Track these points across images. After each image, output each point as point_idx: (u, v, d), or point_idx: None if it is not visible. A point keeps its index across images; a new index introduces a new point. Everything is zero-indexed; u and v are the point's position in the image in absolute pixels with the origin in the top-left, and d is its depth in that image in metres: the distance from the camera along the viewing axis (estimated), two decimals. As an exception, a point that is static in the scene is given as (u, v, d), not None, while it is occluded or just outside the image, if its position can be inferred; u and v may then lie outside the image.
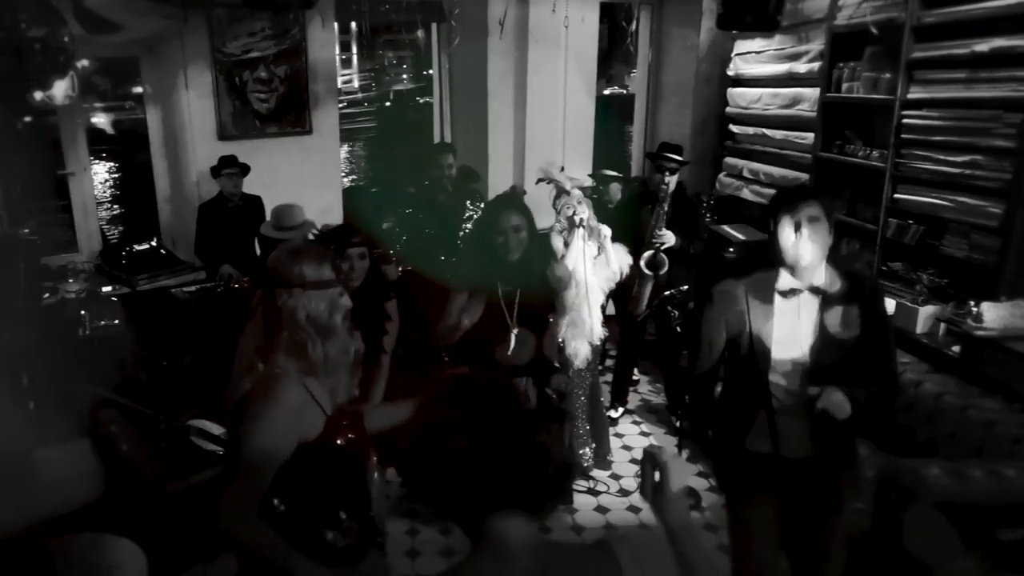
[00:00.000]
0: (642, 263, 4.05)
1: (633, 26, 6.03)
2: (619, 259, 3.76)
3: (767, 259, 2.37)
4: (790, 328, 2.32)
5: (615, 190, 4.89)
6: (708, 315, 2.42)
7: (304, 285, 1.80)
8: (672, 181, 4.22)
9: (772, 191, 5.45)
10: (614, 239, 3.75)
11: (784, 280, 2.32)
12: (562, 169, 3.81)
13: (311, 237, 3.72)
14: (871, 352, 2.30)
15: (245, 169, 4.69)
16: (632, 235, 4.11)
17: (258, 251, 4.42)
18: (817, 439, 2.32)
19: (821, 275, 2.31)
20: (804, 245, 2.23)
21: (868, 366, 2.29)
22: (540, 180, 3.90)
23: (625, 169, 5.02)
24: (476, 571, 1.21)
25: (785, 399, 2.34)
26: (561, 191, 3.75)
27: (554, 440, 1.26)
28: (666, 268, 4.08)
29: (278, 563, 1.77)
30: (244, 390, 1.89)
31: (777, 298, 2.33)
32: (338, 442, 1.88)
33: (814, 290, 2.30)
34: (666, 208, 4.12)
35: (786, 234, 2.25)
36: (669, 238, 4.07)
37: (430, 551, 3.48)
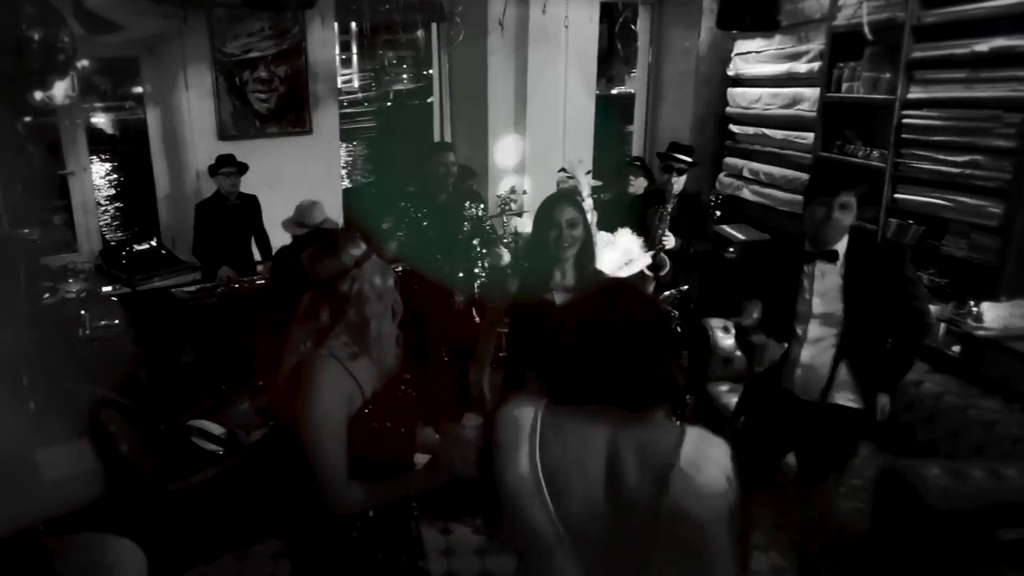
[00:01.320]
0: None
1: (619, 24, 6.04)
2: (635, 255, 3.73)
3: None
4: (812, 287, 2.70)
5: (640, 183, 4.88)
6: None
7: (359, 263, 1.88)
8: (680, 182, 4.21)
9: (772, 191, 5.47)
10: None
11: (805, 246, 2.72)
12: (588, 173, 3.78)
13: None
14: (896, 303, 2.66)
15: (243, 168, 4.69)
16: (637, 234, 4.09)
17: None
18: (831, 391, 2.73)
19: (843, 244, 2.67)
20: (829, 228, 2.60)
21: (894, 315, 2.67)
22: (562, 170, 3.87)
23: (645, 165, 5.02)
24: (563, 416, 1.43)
25: (807, 347, 2.72)
26: (577, 193, 3.72)
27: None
28: (668, 269, 4.08)
29: (403, 496, 1.95)
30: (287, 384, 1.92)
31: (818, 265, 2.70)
32: (386, 424, 1.94)
33: (831, 255, 2.66)
34: (670, 209, 4.11)
35: (818, 212, 2.61)
36: (670, 239, 4.07)
37: (430, 551, 3.47)
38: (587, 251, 2.71)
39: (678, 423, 1.47)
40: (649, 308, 1.43)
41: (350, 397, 1.86)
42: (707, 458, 1.32)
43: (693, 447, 1.33)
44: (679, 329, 4.33)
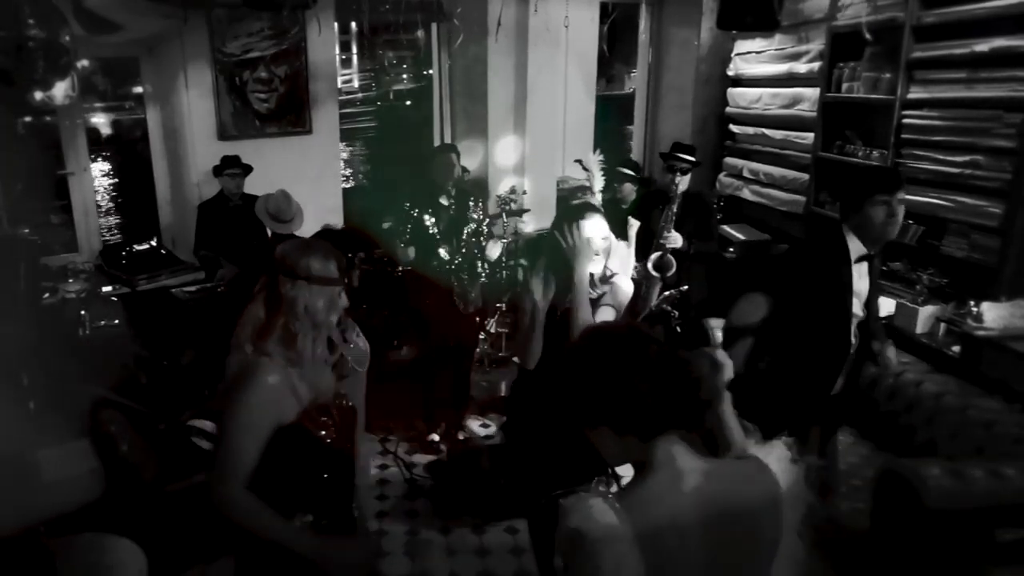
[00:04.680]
0: (649, 264, 4.03)
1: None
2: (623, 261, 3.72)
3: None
4: (860, 288, 2.77)
5: (628, 190, 4.88)
6: None
7: (309, 279, 1.86)
8: (683, 182, 4.20)
9: (772, 191, 5.47)
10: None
11: (856, 249, 2.73)
12: (603, 170, 3.76)
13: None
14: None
15: (247, 169, 4.70)
16: (641, 235, 4.08)
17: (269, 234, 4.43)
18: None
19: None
20: (894, 225, 2.66)
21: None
22: (578, 160, 3.86)
23: (639, 169, 5.00)
24: (649, 491, 1.29)
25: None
26: (587, 189, 3.70)
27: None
28: (674, 269, 4.07)
29: (278, 539, 1.84)
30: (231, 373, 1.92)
31: (854, 265, 2.74)
32: (319, 436, 1.91)
33: (869, 256, 2.74)
34: (675, 209, 4.11)
35: (879, 213, 2.65)
36: (676, 239, 4.06)
37: (430, 551, 3.47)
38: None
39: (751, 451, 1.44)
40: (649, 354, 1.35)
41: (282, 405, 1.84)
42: (790, 474, 1.36)
43: (780, 470, 1.35)
44: (679, 329, 4.32)
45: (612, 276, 2.79)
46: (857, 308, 2.76)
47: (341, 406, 2.04)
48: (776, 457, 1.37)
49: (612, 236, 2.67)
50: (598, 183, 3.54)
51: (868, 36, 4.31)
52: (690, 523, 1.26)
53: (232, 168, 4.64)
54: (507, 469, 3.81)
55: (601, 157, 3.71)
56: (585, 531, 1.20)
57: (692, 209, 4.23)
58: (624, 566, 1.19)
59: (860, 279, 2.75)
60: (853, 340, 2.83)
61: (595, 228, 2.56)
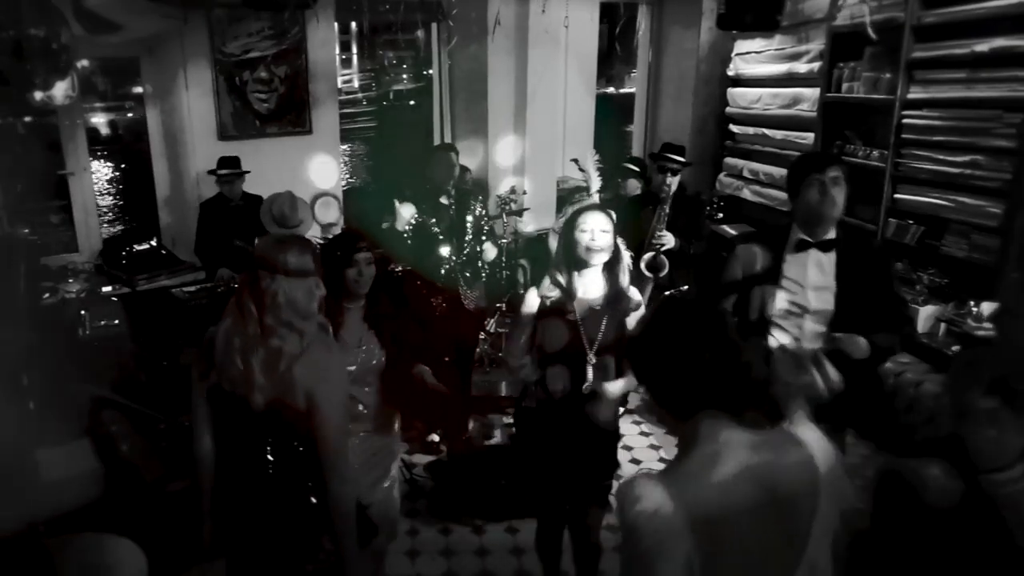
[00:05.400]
0: (642, 265, 4.03)
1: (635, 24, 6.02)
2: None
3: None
4: (812, 279, 2.59)
5: (633, 186, 4.87)
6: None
7: (287, 272, 1.95)
8: (674, 182, 4.21)
9: (772, 191, 5.47)
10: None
11: (794, 236, 2.61)
12: (599, 169, 3.76)
13: (318, 243, 3.73)
14: (878, 300, 2.55)
15: (241, 172, 4.68)
16: (633, 236, 4.09)
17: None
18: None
19: (832, 232, 2.58)
20: (828, 205, 2.51)
21: (875, 312, 2.53)
22: (575, 159, 3.85)
23: (643, 166, 5.01)
24: (692, 465, 1.31)
25: (795, 343, 2.60)
26: (585, 187, 3.69)
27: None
28: (667, 270, 4.07)
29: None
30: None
31: (791, 253, 2.62)
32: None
33: (824, 245, 2.57)
34: (667, 209, 4.11)
35: (812, 194, 2.52)
36: (669, 240, 4.06)
37: (430, 551, 3.48)
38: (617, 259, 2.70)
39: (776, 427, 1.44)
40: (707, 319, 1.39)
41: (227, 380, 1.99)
42: (827, 452, 1.36)
43: (817, 448, 1.36)
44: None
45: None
46: (809, 300, 2.58)
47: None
48: (814, 435, 1.38)
49: (615, 236, 2.68)
50: (595, 183, 3.54)
51: (872, 36, 4.30)
52: (736, 495, 1.27)
53: (224, 170, 4.61)
54: (508, 470, 3.81)
55: (597, 156, 3.71)
56: (641, 513, 1.22)
57: (683, 209, 4.24)
58: (677, 543, 1.20)
59: (810, 269, 2.58)
60: (795, 331, 2.61)
61: (599, 224, 2.59)
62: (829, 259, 2.58)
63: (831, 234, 2.59)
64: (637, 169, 4.91)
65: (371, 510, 2.50)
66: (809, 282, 2.59)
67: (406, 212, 4.13)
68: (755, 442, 1.33)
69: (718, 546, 1.24)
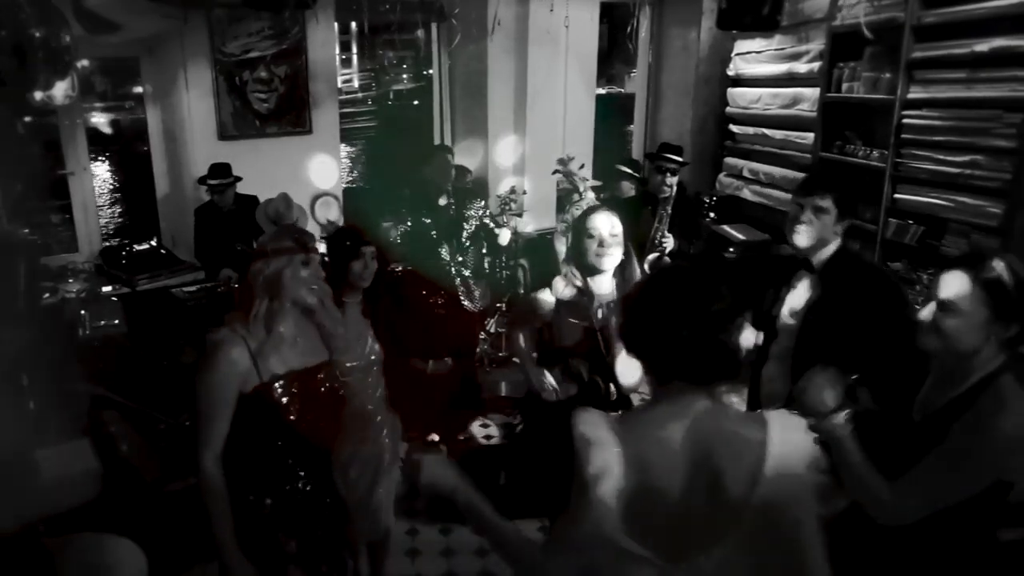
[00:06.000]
0: (646, 267, 4.03)
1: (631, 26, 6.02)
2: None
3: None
4: (786, 301, 2.54)
5: (627, 188, 4.88)
6: None
7: (268, 253, 2.06)
8: (673, 182, 4.21)
9: (772, 191, 5.47)
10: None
11: (785, 252, 2.60)
12: (582, 167, 3.75)
13: (322, 236, 3.72)
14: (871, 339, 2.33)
15: (233, 181, 4.64)
16: (632, 237, 4.08)
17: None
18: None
19: (822, 259, 2.48)
20: (796, 227, 2.45)
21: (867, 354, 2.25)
22: (556, 171, 3.85)
23: (638, 168, 5.01)
24: (646, 416, 1.46)
25: (772, 361, 2.57)
26: (574, 189, 3.70)
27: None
28: None
29: (216, 534, 1.98)
30: None
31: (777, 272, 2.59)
32: (283, 412, 2.05)
33: (811, 269, 2.49)
34: (668, 210, 4.11)
35: (793, 211, 2.49)
36: (670, 241, 4.06)
37: (430, 551, 3.48)
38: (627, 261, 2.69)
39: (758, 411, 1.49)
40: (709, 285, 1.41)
41: (244, 375, 1.99)
42: (793, 445, 1.36)
43: (780, 436, 1.36)
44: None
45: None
46: (789, 319, 2.52)
47: (319, 389, 2.13)
48: (785, 424, 1.40)
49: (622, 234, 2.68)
50: (580, 184, 3.54)
51: (868, 35, 4.30)
52: (669, 450, 1.36)
53: (214, 180, 4.52)
54: (508, 469, 3.81)
55: (582, 164, 3.72)
56: (580, 436, 1.38)
57: (681, 209, 4.24)
58: (608, 472, 1.34)
59: (795, 290, 2.53)
60: (776, 351, 2.56)
61: (609, 227, 2.59)
62: (814, 282, 2.49)
63: (823, 255, 2.47)
64: (630, 171, 4.91)
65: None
66: (787, 300, 2.55)
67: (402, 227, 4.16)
68: (712, 410, 1.39)
69: (645, 491, 1.35)
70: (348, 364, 2.59)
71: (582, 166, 3.74)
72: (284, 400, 2.04)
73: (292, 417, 2.05)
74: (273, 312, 2.02)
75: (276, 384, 2.03)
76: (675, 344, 1.36)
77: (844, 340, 2.28)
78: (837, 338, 2.30)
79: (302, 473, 2.11)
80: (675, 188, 4.19)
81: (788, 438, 1.36)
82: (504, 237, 4.46)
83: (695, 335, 1.35)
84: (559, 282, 2.68)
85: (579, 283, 2.63)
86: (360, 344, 2.69)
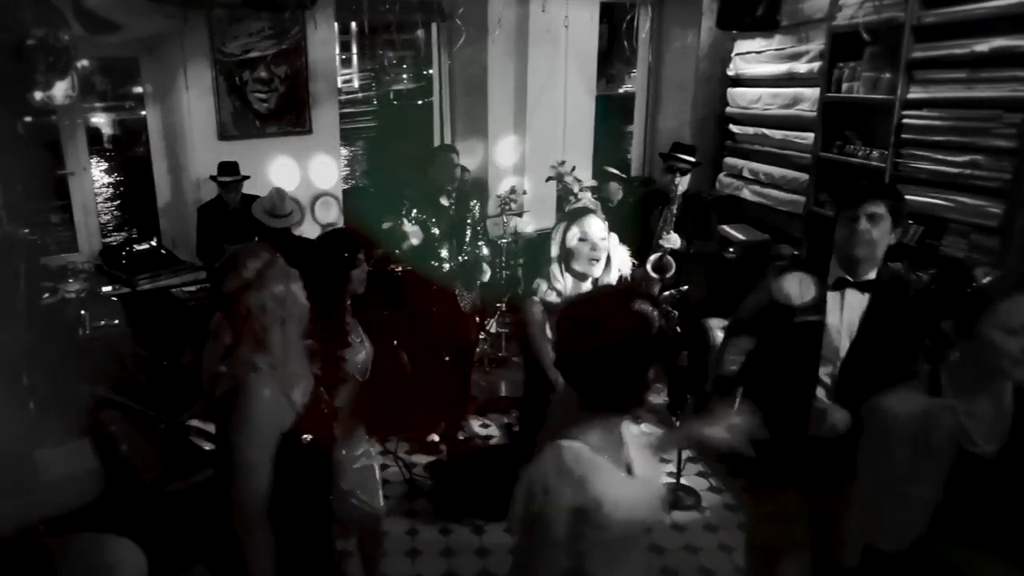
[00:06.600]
0: (648, 266, 4.03)
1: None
2: (621, 262, 3.74)
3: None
4: (834, 321, 2.36)
5: (614, 189, 4.88)
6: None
7: (260, 274, 1.89)
8: (683, 182, 4.20)
9: (772, 191, 5.47)
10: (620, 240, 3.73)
11: (834, 273, 2.37)
12: (573, 169, 3.76)
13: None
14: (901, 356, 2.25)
15: (243, 177, 4.66)
16: (639, 236, 4.08)
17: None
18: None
19: (873, 273, 2.35)
20: (857, 243, 2.28)
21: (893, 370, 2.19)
22: (550, 179, 3.86)
23: (626, 169, 5.02)
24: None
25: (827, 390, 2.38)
26: (569, 192, 3.70)
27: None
28: (673, 271, 4.06)
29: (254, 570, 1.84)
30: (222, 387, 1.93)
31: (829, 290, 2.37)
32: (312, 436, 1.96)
33: (863, 286, 2.34)
34: (675, 210, 4.10)
35: (843, 231, 2.31)
36: (675, 241, 4.05)
37: (430, 551, 3.48)
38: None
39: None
40: (635, 316, 1.51)
41: (282, 414, 1.87)
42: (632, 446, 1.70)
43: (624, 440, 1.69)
44: (679, 329, 4.33)
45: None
46: (841, 343, 2.35)
47: (324, 404, 2.08)
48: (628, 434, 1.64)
49: (612, 236, 2.69)
50: (576, 187, 3.55)
51: (865, 36, 4.30)
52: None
53: (225, 176, 4.58)
54: (508, 469, 3.81)
55: (573, 167, 3.72)
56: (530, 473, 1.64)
57: (691, 209, 4.23)
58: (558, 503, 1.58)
59: (839, 310, 2.36)
60: (826, 380, 2.38)
61: (597, 233, 2.58)
62: (861, 301, 2.34)
63: (871, 274, 2.35)
64: (617, 172, 4.92)
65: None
66: (844, 325, 2.35)
67: (414, 237, 4.15)
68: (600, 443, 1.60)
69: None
70: (359, 367, 2.60)
71: (573, 168, 3.75)
72: (318, 424, 1.96)
73: (323, 435, 2.00)
74: (261, 336, 1.89)
75: (309, 410, 1.95)
76: (592, 373, 1.52)
77: (907, 350, 2.23)
78: (889, 363, 2.23)
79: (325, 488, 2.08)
80: (681, 188, 4.17)
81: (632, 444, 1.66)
82: (511, 224, 4.46)
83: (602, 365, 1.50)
84: (542, 285, 2.67)
85: (560, 286, 2.63)
86: (359, 343, 2.70)
